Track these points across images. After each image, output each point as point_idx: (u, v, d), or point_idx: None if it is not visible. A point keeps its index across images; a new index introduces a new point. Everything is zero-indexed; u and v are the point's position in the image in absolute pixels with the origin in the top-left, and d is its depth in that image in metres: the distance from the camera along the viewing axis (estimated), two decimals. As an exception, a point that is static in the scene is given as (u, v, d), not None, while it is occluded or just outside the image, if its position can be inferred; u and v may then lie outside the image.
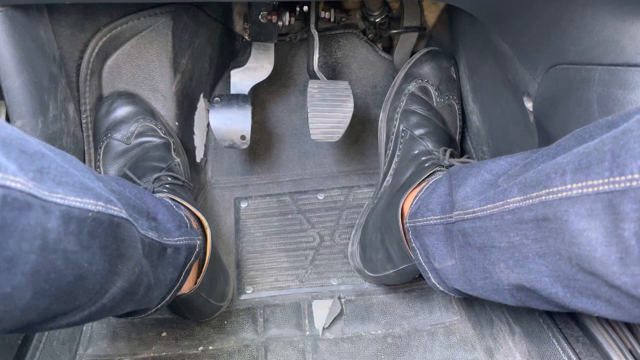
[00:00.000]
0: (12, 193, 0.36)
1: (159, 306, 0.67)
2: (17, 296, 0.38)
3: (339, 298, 0.92)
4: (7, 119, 0.76)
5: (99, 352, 0.83)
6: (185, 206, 0.77)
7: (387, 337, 0.86)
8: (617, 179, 0.39)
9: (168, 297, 0.67)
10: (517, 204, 0.50)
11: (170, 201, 0.71)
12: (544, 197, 0.46)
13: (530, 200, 0.48)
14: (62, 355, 0.79)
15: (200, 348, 0.84)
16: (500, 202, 0.52)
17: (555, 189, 0.44)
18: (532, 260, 0.50)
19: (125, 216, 0.50)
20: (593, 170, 0.41)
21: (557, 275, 0.48)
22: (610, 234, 0.40)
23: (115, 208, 0.48)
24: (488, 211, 0.55)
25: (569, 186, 0.43)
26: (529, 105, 0.70)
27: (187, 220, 0.70)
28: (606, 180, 0.40)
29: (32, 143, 0.41)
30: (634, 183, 0.38)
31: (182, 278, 0.68)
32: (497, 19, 0.72)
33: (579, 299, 0.48)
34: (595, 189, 0.40)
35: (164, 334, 0.86)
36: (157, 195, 0.76)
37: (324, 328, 0.87)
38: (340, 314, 0.90)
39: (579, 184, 0.42)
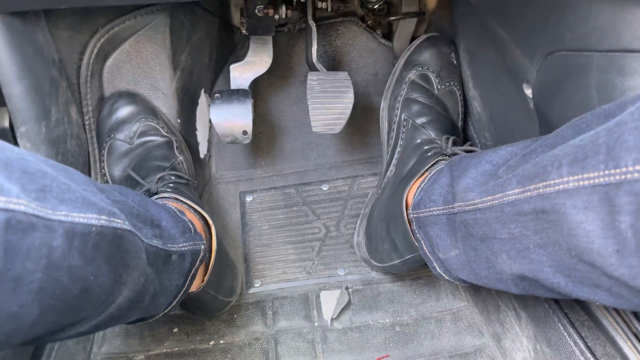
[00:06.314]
0: (16, 216, 0.36)
1: (165, 311, 0.68)
2: (24, 314, 0.39)
3: (347, 288, 0.93)
4: (10, 125, 0.77)
5: (113, 350, 0.85)
6: (189, 205, 0.77)
7: (395, 326, 0.87)
8: (612, 171, 0.39)
9: (174, 302, 0.68)
10: (516, 197, 0.50)
11: (173, 207, 0.72)
12: (541, 190, 0.46)
13: (529, 193, 0.48)
14: (77, 354, 0.81)
15: (212, 342, 0.86)
16: (500, 195, 0.53)
17: (552, 182, 0.44)
18: (533, 251, 0.50)
19: (128, 227, 0.50)
20: (588, 163, 0.41)
21: (558, 266, 0.48)
22: (607, 227, 0.40)
23: (119, 220, 0.48)
24: (488, 203, 0.55)
25: (565, 179, 0.43)
26: (528, 92, 0.69)
27: (190, 226, 0.71)
28: (601, 173, 0.40)
29: (32, 162, 0.41)
30: (629, 176, 0.37)
31: (187, 283, 0.69)
32: (494, 4, 0.71)
33: (580, 288, 0.48)
34: (591, 181, 0.40)
35: (175, 330, 0.88)
36: (162, 195, 0.77)
37: (332, 318, 0.88)
38: (348, 304, 0.91)
39: (575, 177, 0.42)
